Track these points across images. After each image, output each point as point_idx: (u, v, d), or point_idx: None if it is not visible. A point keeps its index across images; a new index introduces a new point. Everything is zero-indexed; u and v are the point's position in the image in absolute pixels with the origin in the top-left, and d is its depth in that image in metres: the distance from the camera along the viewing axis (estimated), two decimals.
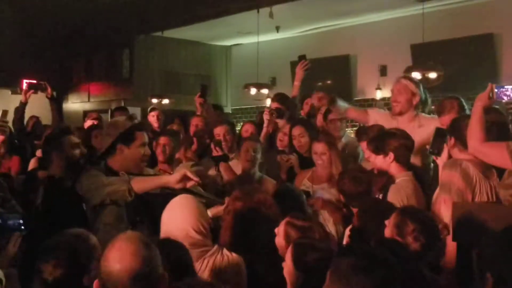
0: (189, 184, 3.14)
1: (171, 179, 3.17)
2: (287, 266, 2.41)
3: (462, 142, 3.19)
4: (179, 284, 1.81)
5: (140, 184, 3.18)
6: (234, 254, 2.72)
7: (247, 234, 2.88)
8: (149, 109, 7.40)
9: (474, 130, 3.03)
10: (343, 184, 3.50)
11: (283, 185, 3.95)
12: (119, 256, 1.90)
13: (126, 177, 3.21)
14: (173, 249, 2.37)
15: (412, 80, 4.42)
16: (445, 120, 3.86)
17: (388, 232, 2.65)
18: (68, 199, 3.44)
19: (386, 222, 2.68)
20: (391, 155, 3.46)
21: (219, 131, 4.94)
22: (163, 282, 1.95)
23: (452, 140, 3.28)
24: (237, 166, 4.47)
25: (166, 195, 3.23)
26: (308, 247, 2.42)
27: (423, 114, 4.31)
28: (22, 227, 2.86)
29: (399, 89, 4.28)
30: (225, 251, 2.74)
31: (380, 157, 3.52)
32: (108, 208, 3.24)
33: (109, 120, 3.39)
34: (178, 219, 2.73)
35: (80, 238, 2.36)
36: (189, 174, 3.12)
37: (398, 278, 1.86)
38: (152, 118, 6.91)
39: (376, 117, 4.43)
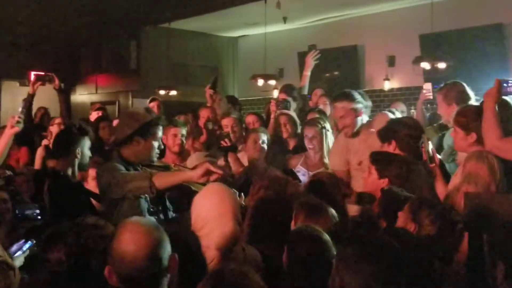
0: (212, 178, 3.03)
1: (194, 174, 3.08)
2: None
3: (480, 138, 3.18)
4: (221, 267, 1.82)
5: (163, 180, 3.11)
6: (252, 249, 2.69)
7: (272, 224, 2.82)
8: (149, 99, 7.41)
9: (490, 127, 3.01)
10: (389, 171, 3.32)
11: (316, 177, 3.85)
12: (132, 237, 1.92)
13: (148, 172, 3.19)
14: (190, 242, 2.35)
15: (345, 97, 4.22)
16: (439, 98, 4.09)
17: (402, 219, 2.65)
18: (74, 194, 3.44)
19: (399, 213, 2.68)
20: (393, 144, 3.45)
21: (227, 122, 4.95)
22: (174, 262, 1.97)
23: (474, 136, 3.23)
24: (243, 157, 4.47)
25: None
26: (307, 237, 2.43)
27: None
28: (39, 217, 2.89)
29: (341, 114, 4.14)
30: (243, 244, 2.70)
31: (385, 145, 3.51)
32: (127, 201, 3.23)
33: (128, 110, 3.36)
34: (224, 207, 2.59)
35: (84, 224, 2.35)
36: (212, 168, 3.03)
37: (404, 265, 1.86)
38: (152, 108, 6.92)
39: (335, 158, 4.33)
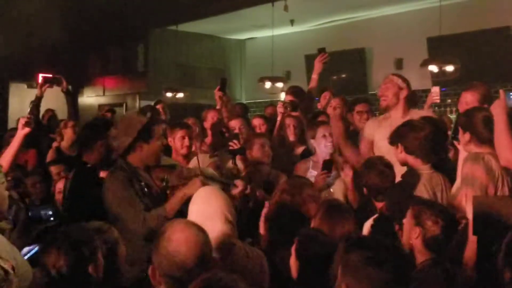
0: None
1: (189, 191, 3.05)
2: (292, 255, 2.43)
3: (478, 137, 3.15)
4: (208, 275, 1.82)
5: (172, 211, 3.13)
6: (257, 250, 2.68)
7: (289, 228, 2.78)
8: (154, 102, 7.42)
9: (504, 140, 2.97)
10: (368, 178, 3.45)
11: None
12: (185, 238, 1.95)
13: (162, 211, 3.14)
14: None
15: (400, 76, 4.34)
16: (466, 97, 3.91)
17: (406, 226, 2.65)
18: (97, 189, 3.42)
19: (404, 220, 2.68)
20: (400, 147, 3.45)
21: (235, 124, 4.93)
22: (215, 265, 2.01)
23: (467, 136, 3.23)
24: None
25: None
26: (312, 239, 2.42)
27: (416, 109, 4.28)
28: (52, 218, 2.90)
29: (385, 83, 4.23)
30: (247, 246, 2.69)
31: (394, 148, 3.53)
32: None
33: (121, 117, 3.29)
34: (210, 210, 2.55)
35: (87, 229, 2.32)
36: (203, 181, 3.08)
37: (410, 270, 1.85)
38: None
39: (370, 131, 4.34)
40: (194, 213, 2.57)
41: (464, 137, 3.25)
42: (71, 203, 3.75)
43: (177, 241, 1.94)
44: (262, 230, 2.90)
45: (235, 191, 3.38)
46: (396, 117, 4.12)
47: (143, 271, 2.28)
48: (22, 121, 3.75)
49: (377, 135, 4.16)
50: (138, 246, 2.93)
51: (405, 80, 4.26)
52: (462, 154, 3.33)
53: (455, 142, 3.49)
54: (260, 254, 2.63)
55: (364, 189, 3.54)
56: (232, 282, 1.76)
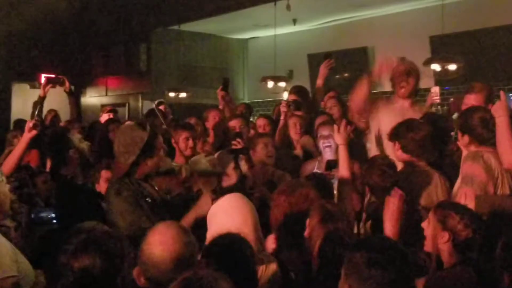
0: None
1: (202, 211, 2.97)
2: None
3: (477, 138, 3.14)
4: (188, 274, 1.77)
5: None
6: (272, 264, 2.60)
7: (293, 230, 2.76)
8: (156, 102, 7.41)
9: (507, 143, 2.95)
10: (370, 178, 3.44)
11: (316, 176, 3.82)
12: (160, 239, 1.94)
13: None
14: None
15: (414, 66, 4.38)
16: (470, 99, 3.88)
17: (430, 230, 2.62)
18: (83, 197, 3.42)
19: (423, 225, 2.66)
20: (398, 145, 3.47)
21: (235, 124, 4.93)
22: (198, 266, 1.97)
23: (466, 138, 3.22)
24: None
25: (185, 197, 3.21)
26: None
27: (421, 104, 4.30)
28: (54, 221, 2.90)
29: (408, 70, 4.21)
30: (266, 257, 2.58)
31: (391, 145, 3.55)
32: None
33: (121, 130, 3.20)
34: (236, 220, 2.45)
35: (111, 237, 2.29)
36: (211, 197, 3.03)
37: (413, 271, 1.84)
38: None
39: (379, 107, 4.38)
40: (227, 219, 2.45)
41: (464, 139, 3.24)
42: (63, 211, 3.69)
43: (153, 243, 1.94)
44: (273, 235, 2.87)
45: (227, 182, 3.35)
46: (404, 106, 4.14)
47: None
48: (30, 123, 3.75)
49: (386, 118, 4.16)
50: None
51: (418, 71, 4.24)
52: (465, 154, 3.32)
53: (458, 143, 3.49)
54: (275, 266, 2.52)
55: (367, 188, 3.55)
56: (214, 281, 1.69)
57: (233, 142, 4.29)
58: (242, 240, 2.20)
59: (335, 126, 3.73)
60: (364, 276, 1.80)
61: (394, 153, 3.52)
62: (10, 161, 3.66)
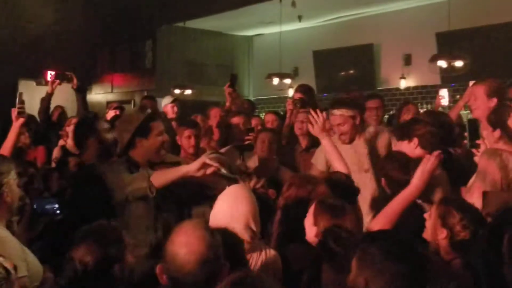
0: (209, 171, 3.13)
1: (191, 168, 3.17)
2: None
3: (509, 134, 3.12)
4: (239, 274, 1.79)
5: (160, 179, 3.18)
6: (271, 251, 2.66)
7: (299, 224, 2.78)
8: (171, 100, 7.40)
9: None
10: (391, 171, 3.36)
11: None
12: (186, 240, 1.93)
13: (146, 173, 3.20)
14: (229, 239, 2.32)
15: (344, 105, 4.07)
16: (480, 90, 3.83)
17: (430, 223, 2.60)
18: (98, 188, 3.42)
19: (425, 215, 2.64)
20: (415, 141, 3.43)
21: (238, 120, 4.94)
22: (225, 270, 1.96)
23: (498, 133, 3.18)
24: (254, 157, 4.47)
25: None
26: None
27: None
28: (58, 212, 2.91)
29: (338, 121, 4.00)
30: (264, 246, 2.67)
31: (405, 142, 3.50)
32: (134, 203, 3.22)
33: (125, 112, 3.27)
34: (239, 210, 2.57)
35: (109, 227, 2.33)
36: (208, 161, 3.12)
37: (427, 265, 1.83)
38: (172, 108, 6.93)
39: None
40: (223, 207, 2.62)
41: (494, 134, 3.21)
42: (74, 200, 3.72)
43: (178, 244, 1.93)
44: (275, 226, 2.88)
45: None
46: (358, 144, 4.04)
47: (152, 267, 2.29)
48: (14, 112, 3.67)
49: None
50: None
51: (350, 105, 4.06)
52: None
53: (480, 140, 3.39)
54: (275, 255, 2.60)
55: (383, 180, 3.48)
56: (264, 282, 1.72)
57: (246, 137, 4.32)
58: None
59: (310, 117, 3.68)
60: (380, 268, 1.79)
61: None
62: (4, 152, 3.60)
